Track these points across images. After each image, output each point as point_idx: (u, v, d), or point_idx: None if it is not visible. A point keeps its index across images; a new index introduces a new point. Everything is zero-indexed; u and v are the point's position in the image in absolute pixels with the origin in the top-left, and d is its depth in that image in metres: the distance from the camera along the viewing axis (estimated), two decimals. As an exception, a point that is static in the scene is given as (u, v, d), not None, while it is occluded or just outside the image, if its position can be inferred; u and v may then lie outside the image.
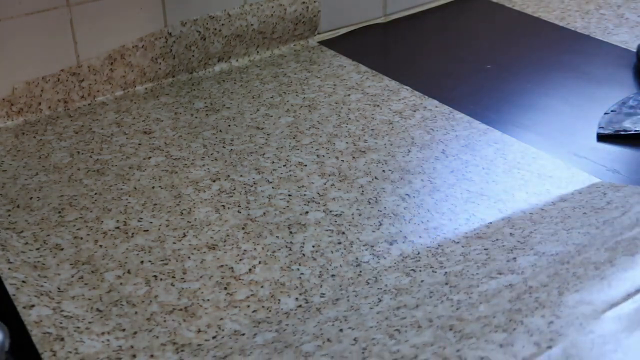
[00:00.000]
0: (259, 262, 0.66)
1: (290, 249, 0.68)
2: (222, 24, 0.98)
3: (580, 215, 0.68)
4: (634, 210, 0.67)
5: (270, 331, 0.58)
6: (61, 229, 0.70)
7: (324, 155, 0.81)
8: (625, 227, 0.64)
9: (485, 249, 0.65)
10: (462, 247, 0.67)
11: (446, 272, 0.62)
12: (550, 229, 0.67)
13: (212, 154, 0.82)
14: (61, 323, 0.59)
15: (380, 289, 0.61)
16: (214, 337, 0.58)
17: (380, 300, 0.60)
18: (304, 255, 0.67)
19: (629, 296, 0.56)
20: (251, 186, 0.76)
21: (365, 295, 0.61)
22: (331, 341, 0.56)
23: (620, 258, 0.59)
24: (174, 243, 0.69)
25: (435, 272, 0.63)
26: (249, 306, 0.61)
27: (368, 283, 0.63)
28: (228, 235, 0.69)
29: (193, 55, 0.98)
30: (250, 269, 0.65)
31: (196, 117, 0.89)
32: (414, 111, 0.89)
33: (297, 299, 0.62)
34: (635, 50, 1.02)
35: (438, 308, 0.57)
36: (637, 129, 0.83)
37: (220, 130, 0.86)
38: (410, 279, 0.62)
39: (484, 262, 0.63)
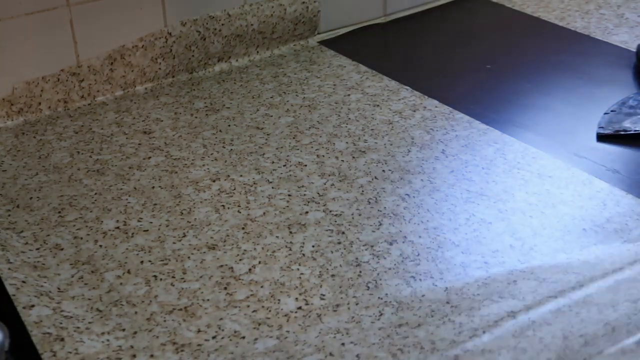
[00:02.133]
0: (259, 262, 0.66)
1: (290, 249, 0.68)
2: (222, 24, 0.98)
3: (580, 233, 0.69)
4: (633, 234, 0.68)
5: (271, 337, 0.58)
6: (61, 229, 0.70)
7: (324, 155, 0.81)
8: (625, 260, 0.65)
9: (485, 263, 0.66)
10: (462, 253, 0.67)
11: (447, 288, 0.62)
12: (550, 246, 0.67)
13: (212, 154, 0.82)
14: (61, 323, 0.59)
15: (381, 298, 0.62)
16: (213, 337, 0.58)
17: (381, 314, 0.60)
18: (304, 255, 0.67)
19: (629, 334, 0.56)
20: (251, 186, 0.76)
21: (366, 305, 0.61)
22: (333, 355, 0.56)
23: (623, 303, 0.59)
24: (174, 243, 0.69)
25: (436, 285, 0.63)
26: (248, 306, 0.61)
27: (368, 288, 0.63)
28: (228, 235, 0.69)
29: (193, 55, 0.98)
30: (250, 269, 0.65)
31: (196, 117, 0.89)
32: (414, 111, 0.89)
33: (297, 299, 0.62)
34: (635, 50, 1.02)
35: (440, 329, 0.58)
36: (637, 129, 0.83)
37: (220, 130, 0.86)
38: (410, 290, 0.62)
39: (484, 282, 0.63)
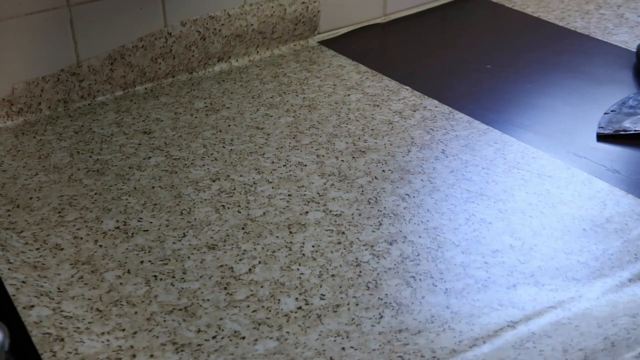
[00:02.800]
0: (259, 262, 0.66)
1: (290, 249, 0.68)
2: (222, 24, 0.98)
3: (580, 233, 0.68)
4: (633, 234, 0.68)
5: (271, 338, 0.58)
6: (61, 229, 0.70)
7: (324, 155, 0.81)
8: (625, 262, 0.65)
9: (485, 263, 0.66)
10: (462, 253, 0.67)
11: (447, 290, 0.62)
12: (550, 246, 0.67)
13: (212, 154, 0.82)
14: (61, 323, 0.59)
15: (381, 299, 0.62)
16: (213, 337, 0.58)
17: (381, 317, 0.60)
18: (303, 255, 0.67)
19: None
20: (251, 186, 0.76)
21: (366, 306, 0.61)
22: (334, 359, 0.56)
23: (622, 317, 0.59)
24: (174, 243, 0.69)
25: (436, 286, 0.63)
26: (248, 306, 0.61)
27: (368, 288, 0.63)
28: (228, 235, 0.69)
29: (193, 55, 0.98)
30: (250, 269, 0.65)
31: (196, 117, 0.89)
32: (414, 111, 0.89)
33: (297, 299, 0.62)
34: (635, 50, 1.02)
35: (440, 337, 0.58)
36: (637, 129, 0.83)
37: (220, 130, 0.86)
38: (410, 291, 0.62)
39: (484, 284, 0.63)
